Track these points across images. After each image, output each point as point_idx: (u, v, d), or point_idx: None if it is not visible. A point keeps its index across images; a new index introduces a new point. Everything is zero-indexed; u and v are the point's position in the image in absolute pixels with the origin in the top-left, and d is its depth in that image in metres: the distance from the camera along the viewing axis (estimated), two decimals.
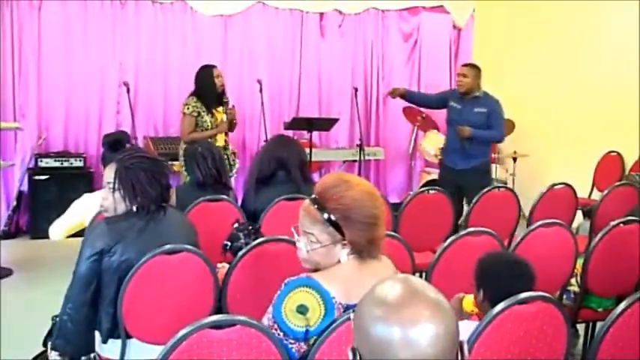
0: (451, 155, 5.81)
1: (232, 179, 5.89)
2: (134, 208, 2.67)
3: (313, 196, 2.02)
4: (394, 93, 6.23)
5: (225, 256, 3.08)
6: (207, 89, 5.66)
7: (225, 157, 5.67)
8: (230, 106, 5.91)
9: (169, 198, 2.84)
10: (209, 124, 5.63)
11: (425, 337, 1.17)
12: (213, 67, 5.77)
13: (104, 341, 2.70)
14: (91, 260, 2.60)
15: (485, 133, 5.64)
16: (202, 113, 5.61)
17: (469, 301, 2.46)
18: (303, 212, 2.02)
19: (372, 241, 1.98)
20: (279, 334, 1.93)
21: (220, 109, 5.76)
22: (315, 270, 2.03)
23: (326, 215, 1.96)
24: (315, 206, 1.98)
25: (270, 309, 1.97)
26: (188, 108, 5.60)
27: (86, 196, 3.75)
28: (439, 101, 6.07)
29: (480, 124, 5.60)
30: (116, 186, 2.67)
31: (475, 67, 5.77)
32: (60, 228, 3.62)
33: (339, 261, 1.99)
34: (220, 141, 5.72)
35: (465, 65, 5.88)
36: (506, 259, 2.54)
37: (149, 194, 2.66)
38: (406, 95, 6.27)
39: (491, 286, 2.39)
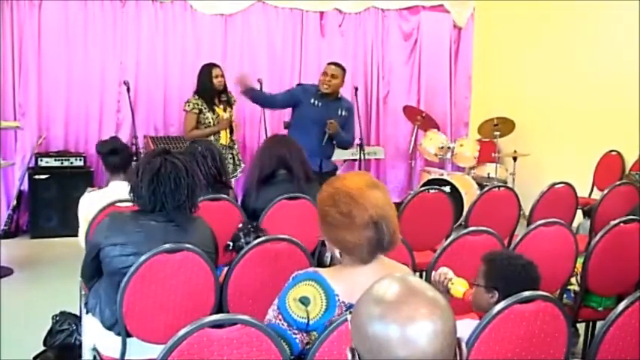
0: (311, 155, 5.16)
1: (236, 179, 5.93)
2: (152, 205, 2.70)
3: None
4: (242, 83, 5.61)
5: (225, 256, 3.08)
6: (206, 87, 5.79)
7: (231, 156, 5.77)
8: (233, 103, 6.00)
9: (193, 203, 2.82)
10: (211, 120, 5.75)
11: (423, 335, 1.17)
12: (214, 65, 5.88)
13: (107, 327, 2.73)
14: (89, 250, 2.77)
15: (344, 134, 5.53)
16: (204, 110, 5.74)
17: (458, 291, 2.39)
18: None
19: (334, 242, 2.00)
20: (282, 324, 1.94)
21: (222, 107, 5.81)
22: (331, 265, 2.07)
23: None
24: None
25: (276, 300, 1.99)
26: (189, 105, 5.75)
27: (85, 195, 3.77)
28: (285, 101, 5.74)
29: (341, 125, 5.48)
30: (136, 178, 2.71)
31: (343, 68, 5.55)
32: (82, 239, 3.62)
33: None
34: (223, 139, 5.75)
35: (333, 64, 5.56)
36: (521, 262, 2.47)
37: (163, 190, 2.67)
38: (251, 94, 5.71)
39: (510, 288, 2.35)
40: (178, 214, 2.72)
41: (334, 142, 5.59)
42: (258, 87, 6.31)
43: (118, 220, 2.71)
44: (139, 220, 2.70)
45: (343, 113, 5.55)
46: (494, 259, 2.49)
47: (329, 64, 5.59)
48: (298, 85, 5.96)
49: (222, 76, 5.86)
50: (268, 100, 5.92)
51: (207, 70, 5.82)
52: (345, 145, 5.81)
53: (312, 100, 5.48)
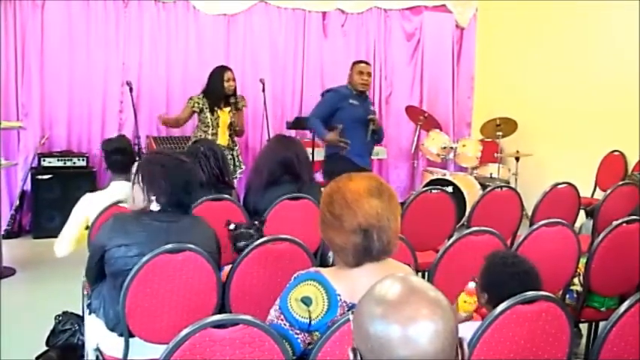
0: (363, 154, 5.58)
1: (237, 179, 5.95)
2: (152, 204, 2.70)
3: None
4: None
5: (226, 255, 3.09)
6: (215, 89, 5.86)
7: (231, 157, 5.78)
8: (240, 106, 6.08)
9: (191, 202, 2.84)
10: (209, 121, 5.82)
11: (424, 335, 1.17)
12: (227, 69, 5.96)
13: (110, 328, 2.73)
14: (94, 251, 2.78)
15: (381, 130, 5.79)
16: (205, 110, 5.82)
17: (463, 303, 2.41)
18: None
19: (329, 241, 2.00)
20: (284, 325, 1.94)
21: (227, 109, 5.84)
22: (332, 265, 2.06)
23: None
24: None
25: (278, 300, 1.99)
26: (190, 102, 5.90)
27: (87, 196, 3.76)
28: (328, 114, 5.50)
29: None
30: (136, 178, 2.73)
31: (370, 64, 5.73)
32: (64, 243, 3.61)
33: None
34: (222, 140, 5.77)
35: (364, 62, 5.69)
36: (515, 269, 2.42)
37: (163, 189, 2.68)
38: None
39: (496, 293, 2.36)
40: (178, 213, 2.74)
41: (375, 137, 5.71)
42: (260, 87, 6.32)
43: (120, 221, 2.72)
44: (141, 221, 2.71)
45: (374, 109, 5.79)
46: (491, 261, 2.47)
47: (360, 62, 5.68)
48: (327, 91, 5.89)
49: (234, 80, 5.93)
50: (326, 126, 5.51)
51: (219, 73, 5.89)
52: (382, 139, 6.00)
53: (351, 101, 5.52)
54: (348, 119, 5.44)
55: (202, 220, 2.92)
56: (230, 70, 5.97)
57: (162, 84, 7.18)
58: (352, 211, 1.91)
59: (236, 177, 5.94)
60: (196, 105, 5.80)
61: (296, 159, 3.93)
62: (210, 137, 5.68)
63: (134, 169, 2.78)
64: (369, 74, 5.56)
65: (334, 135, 5.33)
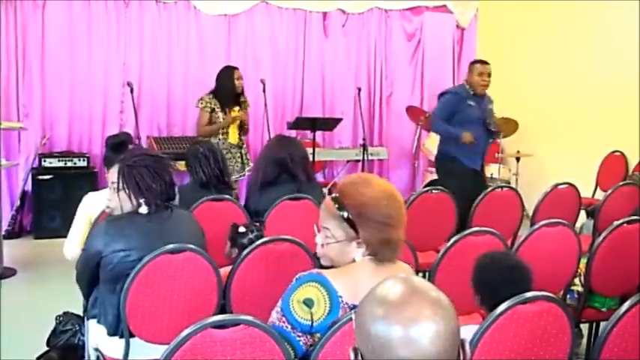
0: (474, 156, 5.54)
1: (244, 178, 5.98)
2: (141, 208, 2.68)
3: (334, 193, 2.04)
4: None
5: (230, 258, 3.09)
6: (226, 89, 5.86)
7: (239, 155, 5.84)
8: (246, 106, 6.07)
9: (174, 195, 2.86)
10: (222, 120, 5.81)
11: (426, 336, 1.17)
12: (235, 68, 5.98)
13: (110, 333, 2.72)
14: (88, 257, 2.72)
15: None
16: (216, 109, 5.82)
17: None
18: (323, 207, 2.04)
19: (386, 242, 1.96)
20: (286, 327, 1.94)
21: (236, 108, 5.86)
22: (331, 267, 2.03)
23: (341, 211, 1.96)
24: (334, 202, 1.99)
25: (280, 302, 1.99)
26: (201, 103, 5.85)
27: (90, 195, 3.75)
28: (448, 116, 5.55)
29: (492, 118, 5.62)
30: (120, 185, 2.69)
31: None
32: (73, 246, 3.61)
33: (354, 260, 1.99)
34: (232, 138, 5.80)
35: (484, 62, 5.68)
36: (501, 265, 2.43)
37: (153, 190, 2.69)
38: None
39: (486, 292, 2.38)
40: (165, 210, 2.75)
41: (493, 136, 5.72)
42: (261, 87, 6.32)
43: (115, 225, 2.68)
44: (136, 222, 2.69)
45: (491, 107, 5.67)
46: (480, 262, 2.49)
47: (479, 62, 5.68)
48: (445, 93, 5.87)
49: (241, 79, 5.95)
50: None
51: (229, 72, 5.91)
52: (498, 137, 5.98)
53: (469, 102, 5.51)
54: (466, 121, 5.46)
55: (183, 211, 2.97)
56: (237, 69, 5.98)
57: (163, 84, 7.19)
58: (403, 205, 2.02)
59: (244, 175, 5.97)
60: (208, 105, 5.80)
61: (289, 158, 3.93)
62: (221, 136, 5.75)
63: (113, 176, 2.75)
64: (489, 75, 5.54)
65: (470, 135, 5.37)
